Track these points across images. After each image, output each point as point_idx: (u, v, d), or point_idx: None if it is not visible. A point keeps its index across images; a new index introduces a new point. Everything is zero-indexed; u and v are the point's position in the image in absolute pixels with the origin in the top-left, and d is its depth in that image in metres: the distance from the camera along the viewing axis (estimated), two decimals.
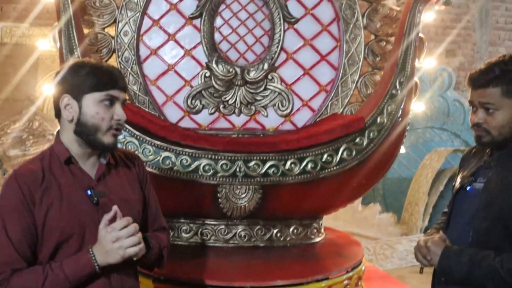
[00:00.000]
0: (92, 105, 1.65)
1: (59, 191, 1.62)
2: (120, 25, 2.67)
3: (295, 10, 2.72)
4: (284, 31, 2.71)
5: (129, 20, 2.68)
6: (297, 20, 2.73)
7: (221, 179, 2.50)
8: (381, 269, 3.86)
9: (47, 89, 2.84)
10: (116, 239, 1.57)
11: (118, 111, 1.69)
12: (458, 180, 2.01)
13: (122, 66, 2.67)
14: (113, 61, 2.69)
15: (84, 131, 1.66)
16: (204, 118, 2.72)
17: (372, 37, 2.81)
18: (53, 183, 1.63)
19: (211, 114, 2.72)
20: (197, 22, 2.69)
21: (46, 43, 2.79)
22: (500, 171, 1.83)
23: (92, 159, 1.72)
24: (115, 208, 1.62)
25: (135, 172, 1.87)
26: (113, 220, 1.61)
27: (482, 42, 7.78)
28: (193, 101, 2.70)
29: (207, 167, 2.49)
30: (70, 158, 1.68)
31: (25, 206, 1.58)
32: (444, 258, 1.84)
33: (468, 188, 1.92)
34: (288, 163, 2.53)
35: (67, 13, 2.48)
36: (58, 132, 1.74)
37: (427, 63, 2.82)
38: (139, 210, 1.81)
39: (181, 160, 2.48)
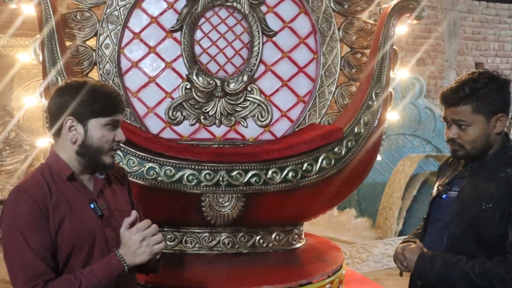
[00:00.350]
0: (98, 129, 1.72)
1: (68, 204, 1.67)
2: (101, 38, 2.70)
3: (273, 23, 2.79)
4: (263, 43, 2.78)
5: (110, 33, 2.71)
6: (275, 33, 2.79)
7: (204, 188, 2.55)
8: (359, 273, 3.95)
9: (28, 101, 2.85)
10: (143, 238, 1.65)
11: (120, 134, 1.78)
12: (435, 188, 2.11)
13: (104, 79, 2.69)
14: (94, 74, 2.73)
15: (87, 153, 1.72)
16: (185, 129, 2.76)
17: (348, 49, 2.90)
18: (62, 197, 1.67)
19: (192, 125, 2.76)
20: (177, 35, 2.74)
21: (26, 55, 2.82)
22: (473, 181, 1.94)
23: (88, 174, 1.78)
24: (134, 212, 1.71)
25: (123, 184, 1.95)
26: (133, 223, 1.69)
27: (451, 51, 8.01)
28: (174, 112, 2.74)
29: (190, 177, 2.53)
30: (73, 174, 1.73)
31: (42, 218, 1.62)
32: (419, 262, 1.94)
33: (443, 196, 2.02)
34: (270, 172, 2.59)
35: (49, 25, 2.50)
36: (53, 148, 1.78)
37: (400, 73, 2.93)
38: None
39: (165, 170, 2.52)
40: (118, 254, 1.65)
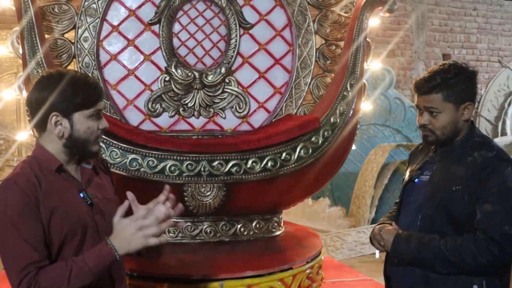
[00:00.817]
0: (84, 121, 1.73)
1: (58, 195, 1.69)
2: (80, 31, 2.72)
3: (250, 16, 2.85)
4: (240, 36, 2.84)
5: (88, 26, 2.73)
6: (252, 26, 2.86)
7: (186, 178, 2.59)
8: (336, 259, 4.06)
9: (6, 94, 2.84)
10: (141, 227, 1.64)
11: (103, 122, 1.79)
12: (407, 173, 2.22)
13: (83, 71, 2.70)
14: (73, 67, 2.74)
15: (75, 145, 1.73)
16: (164, 120, 2.80)
17: (323, 41, 2.97)
18: (51, 188, 1.68)
19: (171, 117, 2.80)
20: (155, 28, 2.77)
21: (3, 48, 2.81)
22: (443, 166, 2.05)
23: (75, 164, 1.80)
24: (128, 201, 1.68)
25: (108, 174, 1.98)
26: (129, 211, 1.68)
27: (420, 43, 8.20)
28: (154, 104, 2.78)
29: (173, 168, 2.58)
30: (61, 166, 1.74)
31: (33, 209, 1.63)
32: (396, 242, 2.05)
33: (416, 180, 2.13)
34: (250, 162, 2.65)
35: (28, 17, 2.50)
36: (38, 141, 1.79)
37: (373, 65, 3.03)
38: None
39: (148, 161, 2.56)
40: (110, 243, 1.65)
